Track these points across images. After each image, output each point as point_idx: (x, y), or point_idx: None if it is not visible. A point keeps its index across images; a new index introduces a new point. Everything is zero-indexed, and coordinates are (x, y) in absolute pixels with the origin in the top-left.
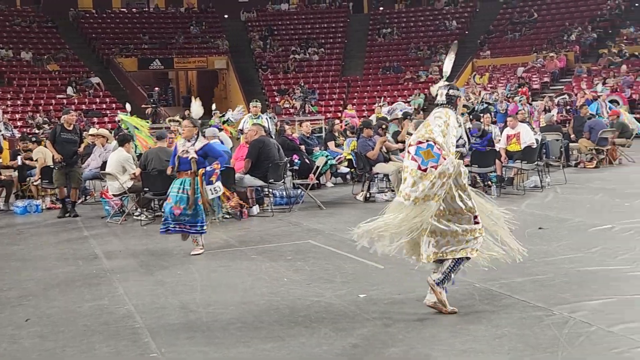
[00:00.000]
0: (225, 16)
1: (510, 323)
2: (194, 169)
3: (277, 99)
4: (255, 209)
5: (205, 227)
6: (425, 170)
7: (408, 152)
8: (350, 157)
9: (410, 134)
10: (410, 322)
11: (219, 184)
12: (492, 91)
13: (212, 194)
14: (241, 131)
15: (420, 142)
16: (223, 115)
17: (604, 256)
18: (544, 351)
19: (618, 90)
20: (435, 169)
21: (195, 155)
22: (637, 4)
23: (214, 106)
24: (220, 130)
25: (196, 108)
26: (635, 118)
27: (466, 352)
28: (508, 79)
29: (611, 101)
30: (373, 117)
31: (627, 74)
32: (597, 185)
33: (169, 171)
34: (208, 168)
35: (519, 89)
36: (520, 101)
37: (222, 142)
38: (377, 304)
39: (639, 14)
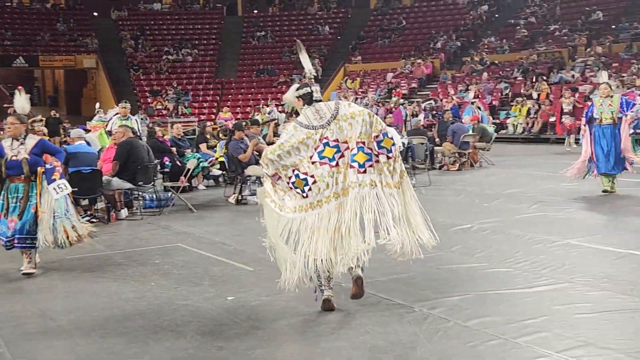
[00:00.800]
0: (95, 14)
1: (373, 321)
2: (27, 171)
3: (149, 100)
4: (124, 212)
5: (36, 242)
6: (393, 157)
7: (370, 150)
8: (222, 159)
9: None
10: (278, 324)
11: (63, 181)
12: (363, 96)
13: (57, 192)
14: (109, 132)
15: (376, 137)
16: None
17: (463, 254)
18: (404, 347)
19: (480, 96)
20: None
21: (27, 156)
22: (497, 16)
23: (97, 105)
24: (88, 131)
25: (22, 102)
26: (494, 123)
27: (330, 350)
28: (378, 84)
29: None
30: (258, 118)
31: (487, 81)
32: (459, 187)
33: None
34: (47, 165)
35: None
36: (402, 105)
37: (88, 144)
38: (245, 307)
39: (499, 25)
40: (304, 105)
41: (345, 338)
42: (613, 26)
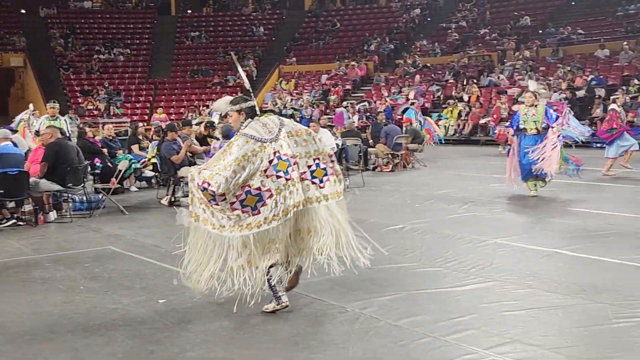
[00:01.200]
0: (22, 11)
1: (306, 321)
2: None
3: (80, 100)
4: (52, 214)
5: None
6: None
7: (325, 165)
8: (155, 160)
9: (218, 138)
10: (210, 326)
11: None
12: (297, 97)
13: None
14: (37, 133)
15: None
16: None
17: (395, 254)
18: (337, 347)
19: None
20: None
21: None
22: (429, 19)
23: (31, 106)
24: (15, 131)
25: None
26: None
27: (262, 351)
28: (313, 85)
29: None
30: (198, 120)
31: (420, 84)
32: (392, 188)
33: None
34: None
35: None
36: (345, 107)
37: (15, 145)
38: (176, 309)
39: (431, 28)
40: (246, 118)
41: (278, 339)
42: (540, 31)
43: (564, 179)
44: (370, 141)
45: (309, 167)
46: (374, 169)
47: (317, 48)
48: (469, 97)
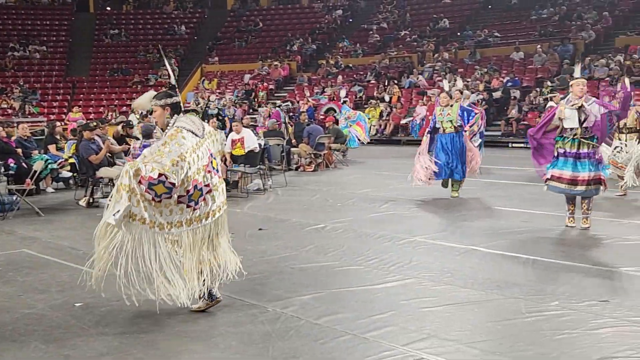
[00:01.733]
0: None
1: (226, 322)
2: None
3: None
4: None
5: None
6: None
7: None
8: (73, 160)
9: (137, 138)
10: (127, 329)
11: None
12: (220, 97)
13: None
14: None
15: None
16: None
17: (316, 253)
18: (256, 347)
19: (335, 99)
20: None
21: None
22: (351, 20)
23: None
24: None
25: None
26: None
27: (181, 354)
28: (236, 85)
29: (329, 109)
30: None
31: (342, 84)
32: (314, 187)
33: None
34: None
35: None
36: (279, 107)
37: None
38: (93, 313)
39: (352, 29)
40: (171, 114)
41: (198, 340)
42: (458, 33)
43: (483, 178)
44: (293, 141)
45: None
46: (296, 169)
47: (239, 48)
48: (390, 98)
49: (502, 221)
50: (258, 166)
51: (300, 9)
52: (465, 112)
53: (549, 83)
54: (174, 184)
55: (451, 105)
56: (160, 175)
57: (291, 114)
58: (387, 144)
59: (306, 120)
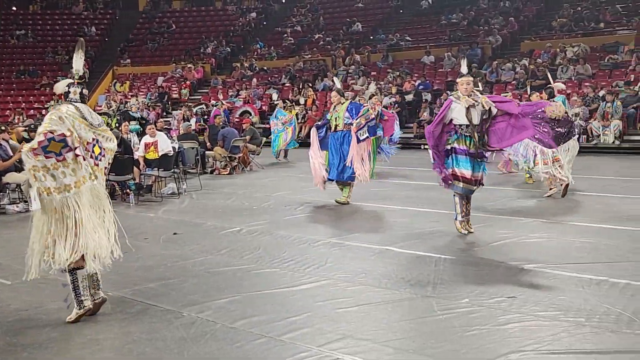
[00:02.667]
0: None
1: (140, 328)
2: None
3: None
4: None
5: None
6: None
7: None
8: None
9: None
10: (38, 339)
11: None
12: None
13: None
14: None
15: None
16: None
17: (232, 257)
18: (171, 352)
19: (250, 101)
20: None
21: None
22: (265, 23)
23: None
24: None
25: None
26: (264, 129)
27: None
28: (149, 87)
29: (244, 112)
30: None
31: (257, 87)
32: (229, 191)
33: None
34: None
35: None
36: (215, 106)
37: None
38: (1, 323)
39: (267, 32)
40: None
41: (110, 348)
42: (371, 37)
43: (396, 179)
44: (208, 144)
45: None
46: (211, 172)
47: (152, 50)
48: (305, 101)
49: (414, 221)
50: (172, 170)
51: (214, 11)
52: (354, 109)
53: None
54: (64, 134)
55: (342, 103)
56: (45, 133)
57: (205, 117)
58: (302, 146)
59: (221, 123)
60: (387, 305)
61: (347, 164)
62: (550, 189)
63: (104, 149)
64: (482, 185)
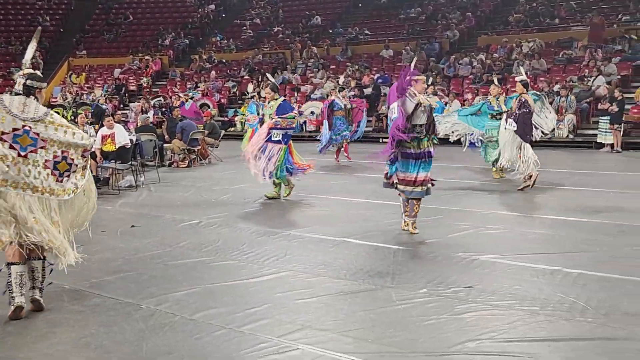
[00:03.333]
0: None
1: (98, 321)
2: None
3: None
4: None
5: None
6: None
7: (72, 161)
8: None
9: None
10: None
11: None
12: (89, 91)
13: None
14: None
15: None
16: None
17: (191, 249)
18: (130, 345)
19: (209, 94)
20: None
21: None
22: (224, 15)
23: None
24: None
25: None
26: (223, 122)
27: (52, 356)
28: (105, 79)
29: (202, 105)
30: None
31: (216, 79)
32: (188, 183)
33: None
34: None
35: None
36: (191, 98)
37: None
38: None
39: (226, 24)
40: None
41: (67, 341)
42: (330, 30)
43: (355, 173)
44: (166, 137)
45: (55, 157)
46: (170, 165)
47: (109, 41)
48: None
49: (374, 214)
50: (130, 162)
51: (172, 2)
52: (284, 109)
53: None
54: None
55: (275, 100)
56: None
57: (163, 109)
58: None
59: (179, 116)
60: (346, 296)
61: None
62: (525, 181)
63: (47, 140)
64: (427, 186)
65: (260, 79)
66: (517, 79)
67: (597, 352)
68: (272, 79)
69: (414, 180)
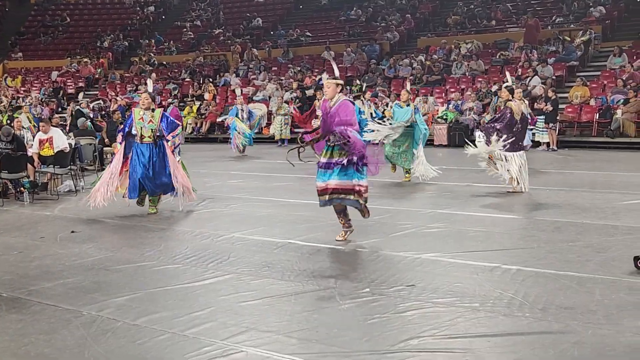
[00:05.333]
0: None
1: (38, 329)
2: None
3: None
4: None
5: None
6: None
7: None
8: None
9: None
10: None
11: None
12: (25, 95)
13: None
14: None
15: None
16: None
17: (131, 254)
18: (71, 352)
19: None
20: None
21: None
22: (164, 17)
23: None
24: None
25: None
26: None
27: None
28: (42, 82)
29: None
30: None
31: (156, 82)
32: None
33: None
34: None
35: None
36: (172, 103)
37: None
38: None
39: (166, 26)
40: None
41: (6, 350)
42: (272, 32)
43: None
44: (106, 140)
45: None
46: None
47: (45, 43)
48: (205, 96)
49: (318, 215)
50: (69, 167)
51: (111, 4)
52: (167, 121)
53: (358, 81)
54: None
55: (153, 110)
56: None
57: (103, 112)
58: (203, 142)
59: (119, 119)
60: (291, 297)
61: (165, 176)
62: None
63: None
64: (349, 195)
65: (201, 82)
66: (503, 85)
67: (535, 347)
68: (151, 87)
69: (325, 188)
